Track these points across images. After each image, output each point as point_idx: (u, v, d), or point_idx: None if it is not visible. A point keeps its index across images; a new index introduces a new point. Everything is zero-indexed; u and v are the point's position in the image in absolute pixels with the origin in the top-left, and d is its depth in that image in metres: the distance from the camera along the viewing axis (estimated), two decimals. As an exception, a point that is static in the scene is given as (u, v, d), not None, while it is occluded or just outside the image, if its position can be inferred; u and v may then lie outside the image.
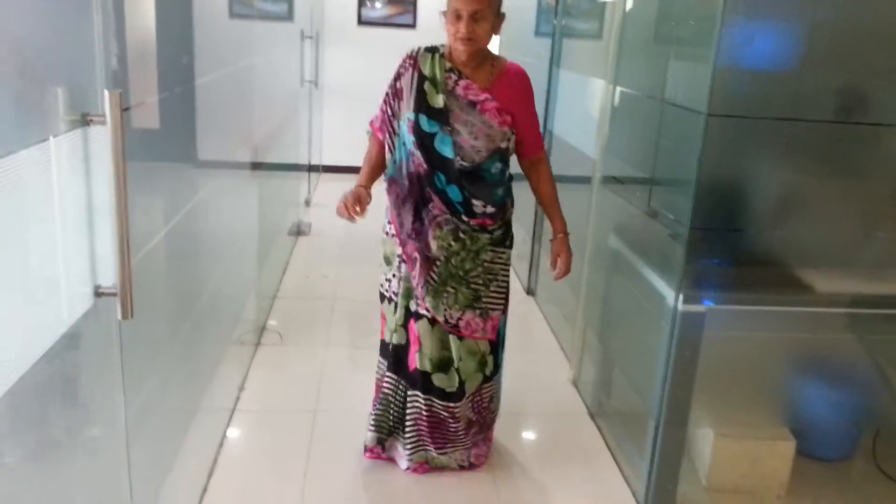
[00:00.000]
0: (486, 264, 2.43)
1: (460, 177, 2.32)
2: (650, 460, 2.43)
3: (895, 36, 2.13)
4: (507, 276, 2.53)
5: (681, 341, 2.26)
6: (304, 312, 3.97)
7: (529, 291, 4.43)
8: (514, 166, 2.45)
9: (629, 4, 2.87)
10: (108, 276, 1.39)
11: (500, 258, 2.47)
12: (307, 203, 5.95)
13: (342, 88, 6.74)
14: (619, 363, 2.93)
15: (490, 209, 2.38)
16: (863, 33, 2.12)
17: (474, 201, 2.35)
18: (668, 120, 2.43)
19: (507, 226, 2.47)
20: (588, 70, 3.42)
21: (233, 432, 2.80)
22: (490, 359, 2.55)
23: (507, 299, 2.56)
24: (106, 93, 1.20)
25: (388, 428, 2.65)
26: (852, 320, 2.42)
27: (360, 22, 6.81)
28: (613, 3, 2.99)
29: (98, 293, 1.37)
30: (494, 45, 2.40)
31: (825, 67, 2.14)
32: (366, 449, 2.66)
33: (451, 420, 2.55)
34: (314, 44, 5.59)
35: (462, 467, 2.66)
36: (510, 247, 2.50)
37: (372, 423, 2.64)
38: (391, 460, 2.67)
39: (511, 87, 2.35)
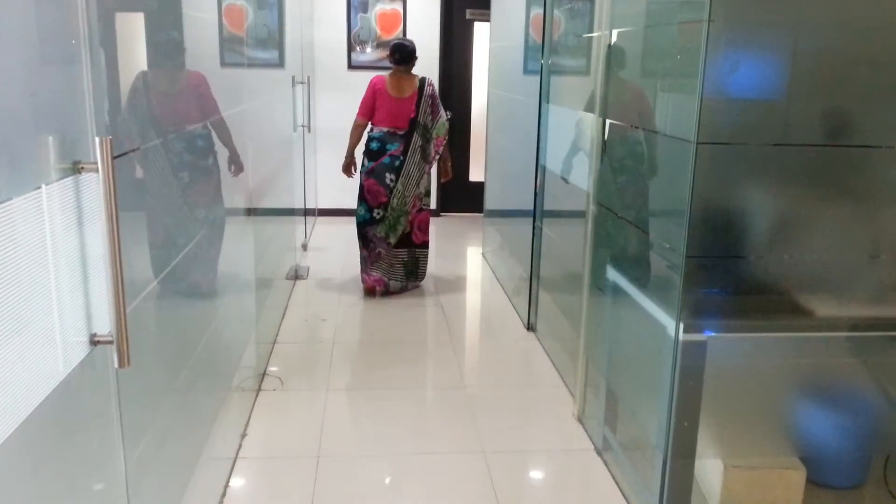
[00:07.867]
0: None
1: None
2: (659, 494, 2.39)
3: (876, 60, 2.17)
4: None
5: (683, 372, 2.25)
6: (304, 357, 3.94)
7: (530, 327, 4.41)
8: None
9: (614, 39, 2.91)
10: (104, 324, 1.38)
11: None
12: (304, 247, 5.96)
13: (335, 132, 6.78)
14: (623, 396, 2.91)
15: None
16: (845, 58, 2.15)
17: None
18: (659, 150, 2.45)
19: None
20: (577, 104, 3.45)
21: (236, 481, 2.76)
22: None
23: None
24: (97, 139, 1.21)
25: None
26: (855, 344, 2.40)
27: (350, 66, 6.91)
28: (599, 37, 3.03)
29: (94, 341, 1.36)
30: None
31: (810, 93, 2.16)
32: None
33: None
34: (306, 89, 5.65)
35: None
36: None
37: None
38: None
39: None
